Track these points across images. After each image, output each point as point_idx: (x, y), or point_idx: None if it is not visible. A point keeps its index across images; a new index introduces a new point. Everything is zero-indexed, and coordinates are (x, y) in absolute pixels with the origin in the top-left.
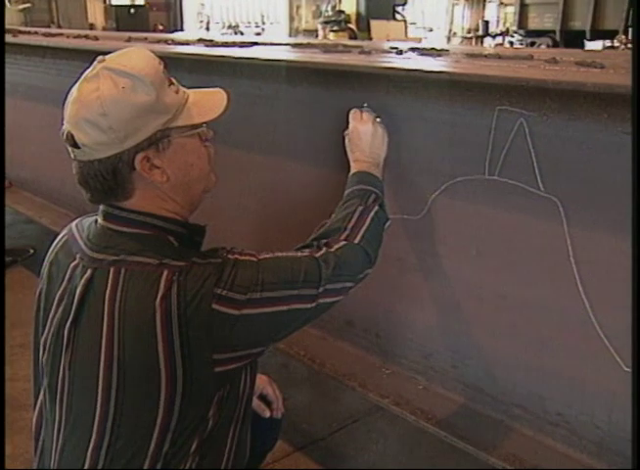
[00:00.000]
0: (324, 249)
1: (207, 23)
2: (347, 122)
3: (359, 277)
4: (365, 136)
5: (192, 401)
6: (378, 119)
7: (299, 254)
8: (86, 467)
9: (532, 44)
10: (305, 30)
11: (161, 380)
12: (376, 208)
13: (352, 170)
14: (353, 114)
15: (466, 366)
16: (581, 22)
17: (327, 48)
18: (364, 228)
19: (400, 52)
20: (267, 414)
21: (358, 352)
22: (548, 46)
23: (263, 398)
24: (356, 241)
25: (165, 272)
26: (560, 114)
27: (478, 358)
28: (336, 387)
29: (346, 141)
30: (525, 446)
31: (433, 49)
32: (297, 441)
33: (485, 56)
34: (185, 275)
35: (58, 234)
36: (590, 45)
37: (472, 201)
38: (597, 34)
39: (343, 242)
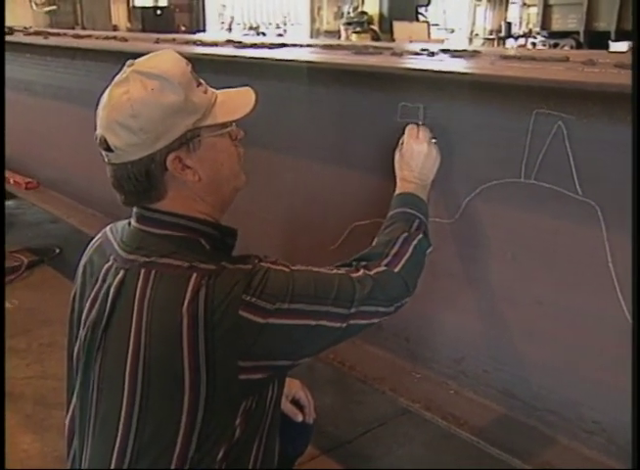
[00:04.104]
0: (362, 270)
1: (230, 23)
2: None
3: (396, 305)
4: (418, 156)
5: (216, 407)
6: (434, 141)
7: (335, 271)
8: (113, 466)
9: (556, 45)
10: (327, 32)
11: (185, 383)
12: (420, 236)
13: (398, 190)
14: (409, 130)
15: (498, 371)
16: (606, 22)
17: (357, 50)
18: (406, 257)
19: (432, 54)
20: (300, 419)
21: (388, 356)
22: (572, 47)
23: (296, 402)
24: (396, 269)
25: (194, 276)
26: (600, 117)
27: (511, 364)
28: (361, 390)
29: (396, 156)
30: (559, 453)
31: (464, 51)
32: (323, 444)
33: (519, 58)
34: (214, 279)
35: (91, 237)
36: (615, 46)
37: (507, 204)
38: (622, 35)
39: (384, 268)
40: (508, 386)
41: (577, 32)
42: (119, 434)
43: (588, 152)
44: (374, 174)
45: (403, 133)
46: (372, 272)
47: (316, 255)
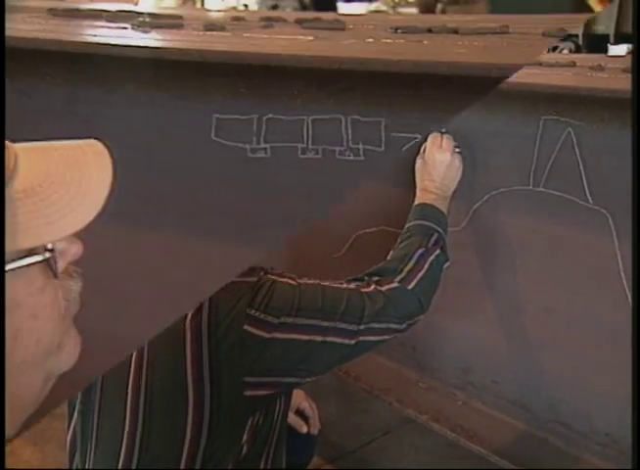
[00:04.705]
0: (373, 286)
1: None
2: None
3: (408, 322)
4: (440, 166)
5: (221, 423)
6: (457, 150)
7: (345, 285)
8: None
9: (555, 49)
10: None
11: (189, 398)
12: (437, 251)
13: (418, 200)
14: (432, 138)
15: (507, 382)
16: (605, 25)
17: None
18: (421, 274)
19: None
20: (304, 430)
21: (394, 366)
22: (570, 50)
23: (300, 413)
24: (410, 287)
25: None
26: (611, 123)
27: (520, 374)
28: (365, 399)
29: (418, 164)
30: (570, 465)
31: None
32: (328, 454)
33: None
34: (218, 292)
35: None
36: (614, 49)
37: (515, 212)
38: (621, 38)
39: (396, 285)
40: (518, 397)
41: (576, 35)
42: (122, 453)
43: (599, 159)
44: (379, 182)
45: (426, 141)
46: (384, 288)
47: (320, 263)
